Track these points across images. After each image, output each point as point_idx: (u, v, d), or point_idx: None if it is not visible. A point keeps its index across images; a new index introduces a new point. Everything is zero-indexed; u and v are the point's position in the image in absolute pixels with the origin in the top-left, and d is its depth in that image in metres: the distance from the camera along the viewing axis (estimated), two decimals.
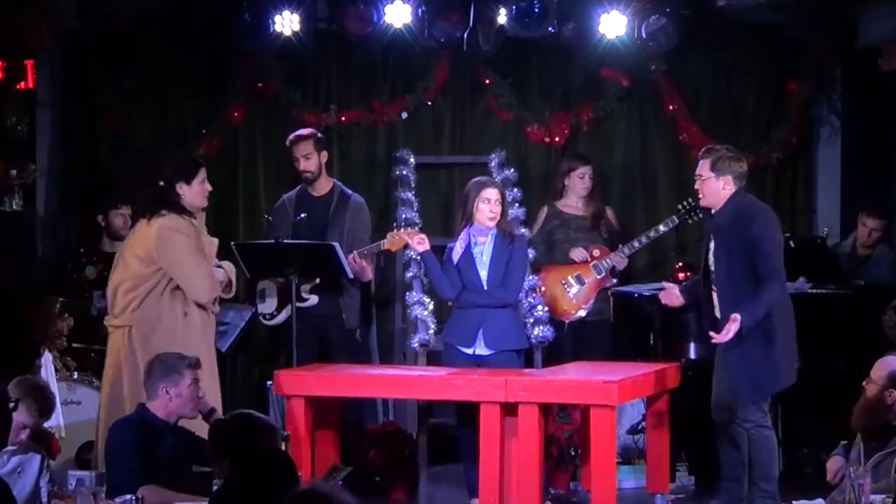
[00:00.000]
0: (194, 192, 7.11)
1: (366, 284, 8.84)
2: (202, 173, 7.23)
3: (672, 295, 7.75)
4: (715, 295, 7.33)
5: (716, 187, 7.29)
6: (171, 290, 6.98)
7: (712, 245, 7.36)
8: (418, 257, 8.52)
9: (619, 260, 9.15)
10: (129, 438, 6.13)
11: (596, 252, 9.21)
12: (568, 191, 9.38)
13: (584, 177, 9.35)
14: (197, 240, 7.05)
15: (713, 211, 7.39)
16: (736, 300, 7.13)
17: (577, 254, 9.17)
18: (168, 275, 6.97)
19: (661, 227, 9.11)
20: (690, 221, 9.15)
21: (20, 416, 5.97)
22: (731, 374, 7.21)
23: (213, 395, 6.80)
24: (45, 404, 6.18)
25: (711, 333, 7.12)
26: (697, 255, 8.09)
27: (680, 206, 9.10)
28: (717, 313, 7.27)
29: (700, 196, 7.44)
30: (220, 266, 7.27)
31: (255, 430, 5.43)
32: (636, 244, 9.15)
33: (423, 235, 8.03)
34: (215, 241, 7.31)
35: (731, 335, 7.01)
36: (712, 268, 7.36)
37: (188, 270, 6.96)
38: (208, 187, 7.28)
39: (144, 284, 6.97)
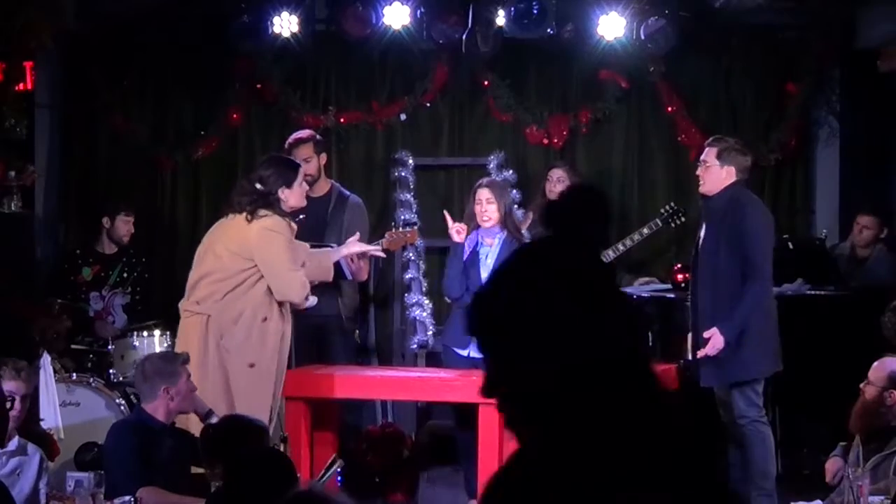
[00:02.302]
0: (295, 195, 7.10)
1: (364, 285, 8.83)
2: (301, 174, 7.23)
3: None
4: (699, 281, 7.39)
5: (718, 175, 7.32)
6: (258, 291, 6.96)
7: (703, 231, 7.40)
8: (416, 258, 8.51)
9: None
10: (128, 440, 6.13)
11: None
12: (549, 195, 9.38)
13: (552, 178, 9.32)
14: (293, 242, 7.06)
15: (709, 195, 7.42)
16: (715, 284, 7.22)
17: None
18: (256, 273, 6.97)
19: (645, 230, 9.14)
20: (673, 225, 9.18)
21: (7, 385, 5.87)
22: (697, 357, 7.26)
23: (266, 406, 6.84)
24: (18, 365, 6.07)
25: (699, 352, 7.19)
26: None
27: (663, 210, 9.12)
28: (698, 299, 7.36)
29: (700, 182, 7.44)
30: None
31: (247, 433, 5.44)
32: (621, 247, 9.15)
33: (463, 225, 7.88)
34: (306, 245, 7.31)
35: (715, 351, 7.12)
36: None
37: (282, 271, 6.94)
38: (306, 186, 7.30)
39: (233, 278, 6.94)
